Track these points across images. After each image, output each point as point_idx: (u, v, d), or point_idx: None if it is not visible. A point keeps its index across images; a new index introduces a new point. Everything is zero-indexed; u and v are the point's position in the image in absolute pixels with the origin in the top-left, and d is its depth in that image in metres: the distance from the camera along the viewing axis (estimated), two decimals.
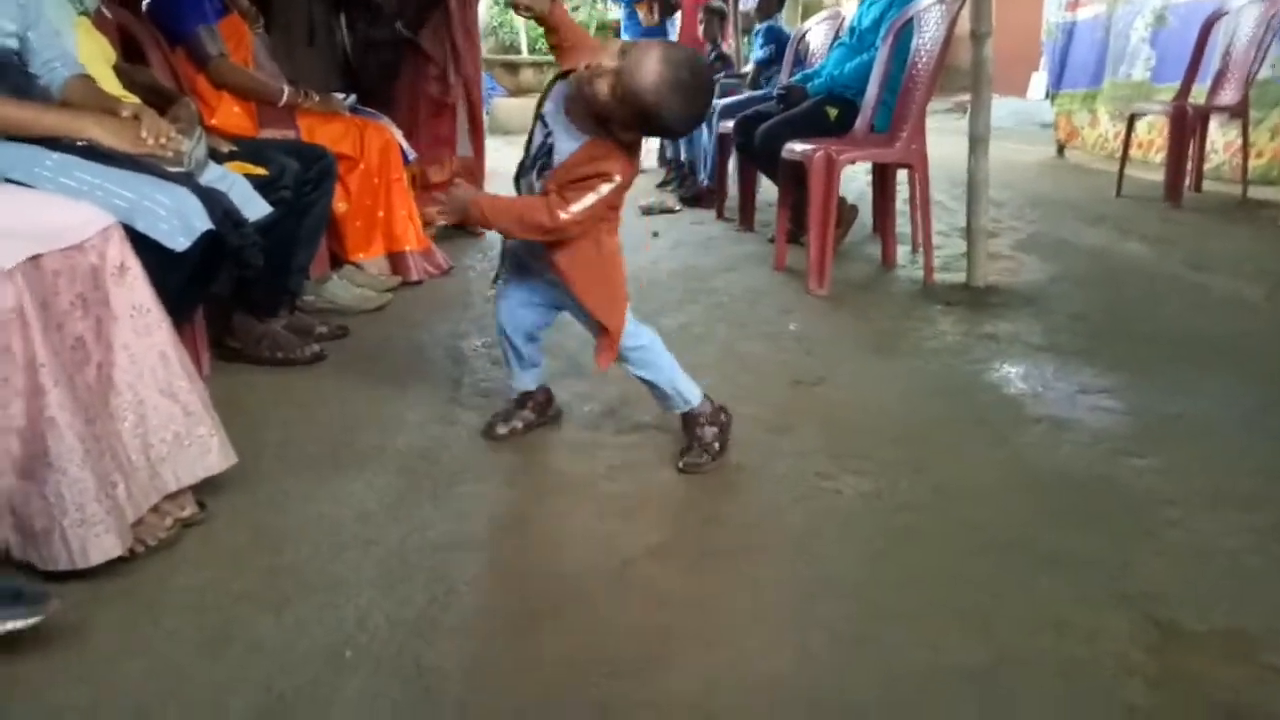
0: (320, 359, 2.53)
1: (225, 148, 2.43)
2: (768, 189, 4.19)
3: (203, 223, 1.79)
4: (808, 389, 2.28)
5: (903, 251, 3.64)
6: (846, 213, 3.77)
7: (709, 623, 1.35)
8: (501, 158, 4.96)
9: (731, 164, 4.67)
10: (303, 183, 2.51)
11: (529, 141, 1.74)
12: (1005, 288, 3.12)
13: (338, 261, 3.20)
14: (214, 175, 2.07)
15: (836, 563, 1.51)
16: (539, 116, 1.71)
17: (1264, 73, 4.51)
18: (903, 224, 3.72)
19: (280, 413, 2.16)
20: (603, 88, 1.55)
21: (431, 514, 1.69)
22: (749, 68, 5.60)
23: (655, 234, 4.32)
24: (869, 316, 2.93)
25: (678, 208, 5.05)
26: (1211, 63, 4.78)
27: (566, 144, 1.66)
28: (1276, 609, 1.35)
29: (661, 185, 5.77)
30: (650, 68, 1.52)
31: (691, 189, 5.22)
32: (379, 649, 1.29)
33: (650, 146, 6.95)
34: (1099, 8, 6.28)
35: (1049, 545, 1.53)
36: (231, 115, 2.89)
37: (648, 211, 4.94)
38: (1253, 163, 4.58)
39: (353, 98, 3.40)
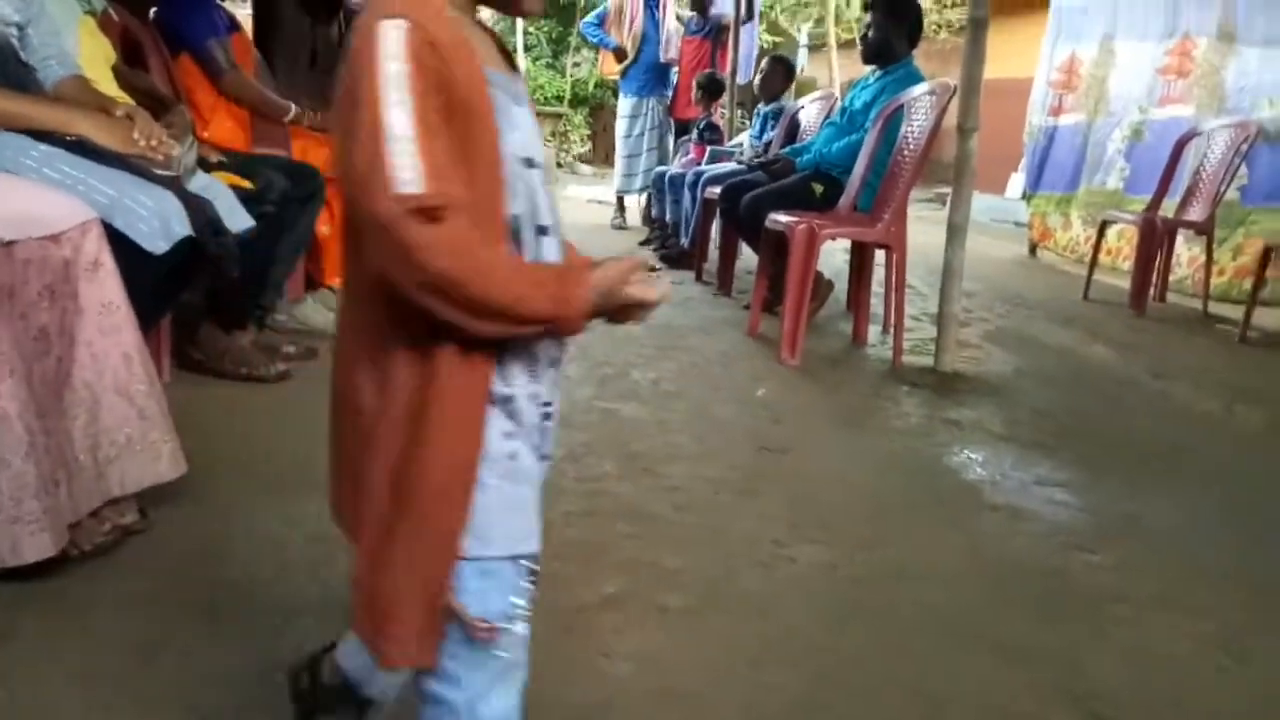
0: (285, 378, 2.49)
1: (214, 157, 2.43)
2: (747, 256, 4.24)
3: (183, 228, 1.77)
4: (773, 456, 2.29)
5: (873, 331, 3.68)
6: (822, 287, 3.82)
7: (657, 678, 1.32)
8: None
9: (714, 229, 4.73)
10: (290, 199, 2.50)
11: None
12: (971, 376, 3.17)
13: (313, 284, 3.18)
14: (200, 183, 2.06)
15: (789, 630, 1.49)
16: None
17: (1230, 194, 4.69)
18: (875, 304, 3.78)
19: (237, 428, 2.12)
20: None
21: None
22: (741, 139, 5.69)
23: None
24: (837, 391, 2.95)
25: (658, 266, 5.10)
26: (1182, 179, 4.96)
27: None
28: (1218, 716, 1.35)
29: (644, 243, 5.84)
30: None
31: (673, 249, 5.29)
32: None
33: (635, 204, 7.03)
34: (1080, 115, 6.51)
35: (1000, 633, 1.52)
36: (224, 129, 2.89)
37: None
38: (1214, 279, 4.73)
39: None
